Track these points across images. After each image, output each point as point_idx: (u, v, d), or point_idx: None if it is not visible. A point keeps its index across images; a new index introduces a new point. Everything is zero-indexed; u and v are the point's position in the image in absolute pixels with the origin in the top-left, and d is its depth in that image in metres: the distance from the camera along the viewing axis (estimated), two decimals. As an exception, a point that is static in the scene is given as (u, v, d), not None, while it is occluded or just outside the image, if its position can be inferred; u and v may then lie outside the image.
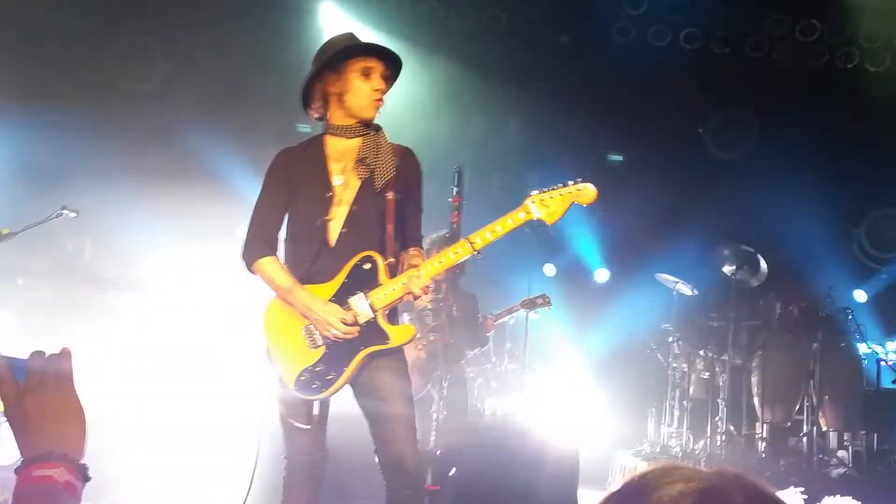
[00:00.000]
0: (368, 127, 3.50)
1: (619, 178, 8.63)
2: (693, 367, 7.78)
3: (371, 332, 3.32)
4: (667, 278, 7.78)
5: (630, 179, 8.62)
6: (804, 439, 7.05)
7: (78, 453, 1.19)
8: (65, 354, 1.25)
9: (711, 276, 7.93)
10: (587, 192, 3.33)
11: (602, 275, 9.18)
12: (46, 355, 1.25)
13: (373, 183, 3.40)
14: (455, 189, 4.30)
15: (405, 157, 3.55)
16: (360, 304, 3.32)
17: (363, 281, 3.34)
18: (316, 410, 3.35)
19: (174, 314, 7.51)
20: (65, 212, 5.15)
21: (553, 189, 3.34)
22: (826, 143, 8.50)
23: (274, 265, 3.42)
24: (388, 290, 3.33)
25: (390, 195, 3.40)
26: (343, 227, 3.39)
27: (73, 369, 1.25)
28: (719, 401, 7.41)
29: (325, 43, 3.57)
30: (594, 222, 8.78)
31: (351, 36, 3.59)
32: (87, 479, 1.19)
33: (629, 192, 8.20)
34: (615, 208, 8.32)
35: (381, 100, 3.45)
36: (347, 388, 3.42)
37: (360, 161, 3.43)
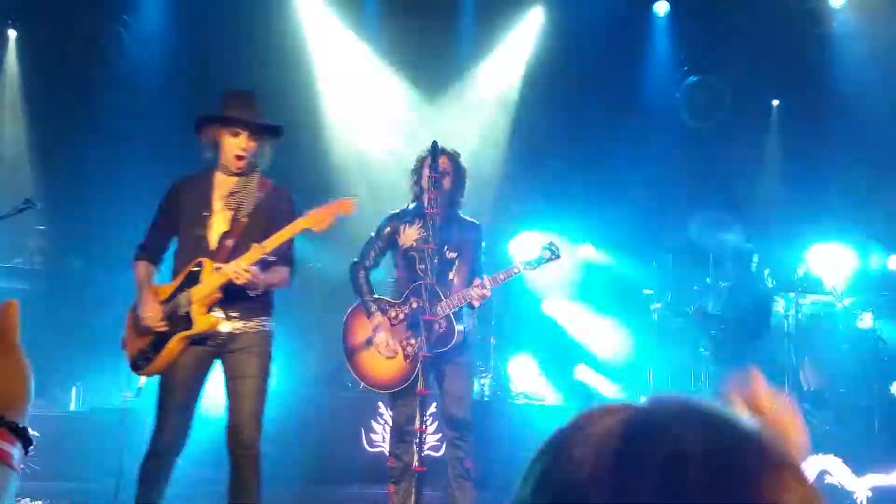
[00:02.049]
0: (245, 167, 4.16)
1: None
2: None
3: (185, 320, 4.03)
4: None
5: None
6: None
7: (16, 415, 1.05)
8: (10, 305, 1.12)
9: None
10: (347, 204, 4.08)
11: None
12: None
13: (238, 212, 4.11)
14: (430, 163, 4.53)
15: (273, 194, 4.19)
16: (183, 298, 4.05)
17: (193, 280, 4.05)
18: (141, 384, 4.34)
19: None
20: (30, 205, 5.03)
21: (323, 204, 4.08)
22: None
23: (142, 268, 4.19)
24: (204, 284, 4.02)
25: (251, 225, 4.09)
26: (217, 243, 4.08)
27: (19, 323, 1.12)
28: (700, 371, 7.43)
29: (223, 93, 4.21)
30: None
31: (237, 99, 4.16)
32: (28, 443, 1.06)
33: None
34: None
35: (242, 157, 4.09)
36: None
37: (231, 194, 4.14)
